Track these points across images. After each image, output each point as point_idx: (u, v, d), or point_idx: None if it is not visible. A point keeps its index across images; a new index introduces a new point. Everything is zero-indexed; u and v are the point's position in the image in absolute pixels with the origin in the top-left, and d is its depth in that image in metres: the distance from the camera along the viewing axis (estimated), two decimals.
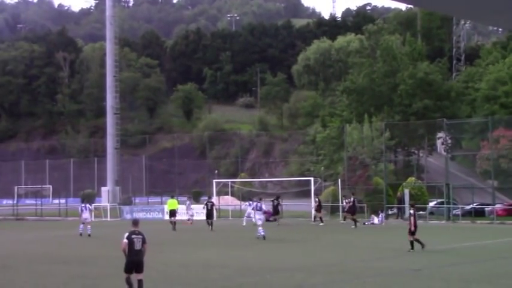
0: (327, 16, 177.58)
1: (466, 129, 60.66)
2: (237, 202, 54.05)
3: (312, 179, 48.40)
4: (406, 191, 46.01)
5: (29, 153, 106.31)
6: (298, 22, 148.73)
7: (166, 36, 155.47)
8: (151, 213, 52.53)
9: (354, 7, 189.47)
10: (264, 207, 34.80)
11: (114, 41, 72.88)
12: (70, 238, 34.13)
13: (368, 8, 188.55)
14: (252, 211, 35.89)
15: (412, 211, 25.73)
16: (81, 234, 34.54)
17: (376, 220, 42.01)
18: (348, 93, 68.02)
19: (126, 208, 55.50)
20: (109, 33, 72.51)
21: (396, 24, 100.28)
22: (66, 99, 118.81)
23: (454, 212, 44.85)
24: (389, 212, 46.57)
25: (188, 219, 43.00)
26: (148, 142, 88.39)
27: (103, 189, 69.76)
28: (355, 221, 38.99)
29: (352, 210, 40.25)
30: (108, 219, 51.75)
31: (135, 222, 16.08)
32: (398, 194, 46.60)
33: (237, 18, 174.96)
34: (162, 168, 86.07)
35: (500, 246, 27.75)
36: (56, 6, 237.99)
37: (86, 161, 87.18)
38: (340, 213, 45.32)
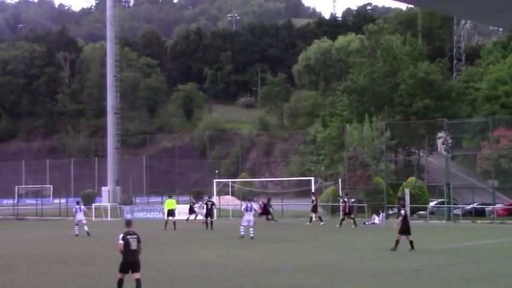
0: (327, 16, 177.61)
1: (467, 129, 60.62)
2: (238, 202, 54.07)
3: (312, 178, 48.43)
4: (407, 191, 46.04)
5: (30, 153, 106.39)
6: (299, 22, 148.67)
7: (167, 36, 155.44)
8: (151, 213, 52.55)
9: (354, 7, 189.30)
10: (255, 207, 35.21)
11: (114, 41, 72.88)
12: (70, 238, 34.14)
13: (368, 7, 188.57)
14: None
15: (403, 211, 25.80)
16: (76, 235, 34.85)
17: (377, 220, 42.02)
18: (349, 93, 68.00)
19: (126, 208, 55.51)
20: (109, 33, 72.51)
21: (397, 24, 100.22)
22: (66, 99, 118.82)
23: (455, 211, 44.85)
24: (390, 212, 46.55)
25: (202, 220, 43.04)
26: (149, 142, 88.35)
27: (103, 189, 69.77)
28: (351, 220, 39.20)
29: (349, 211, 40.32)
30: (109, 219, 51.76)
31: (128, 222, 16.21)
32: (399, 193, 46.60)
33: (238, 18, 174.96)
34: (162, 168, 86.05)
35: (501, 246, 27.75)
36: (57, 6, 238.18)
37: (86, 161, 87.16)
38: (341, 214, 45.24)
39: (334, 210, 47.54)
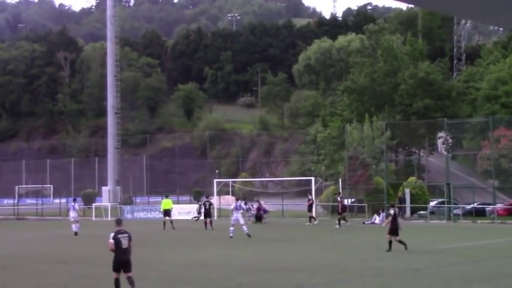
0: (327, 16, 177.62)
1: (467, 129, 60.59)
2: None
3: (312, 178, 48.34)
4: (407, 191, 46.04)
5: (30, 153, 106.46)
6: (299, 22, 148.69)
7: (167, 36, 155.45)
8: (152, 212, 52.52)
9: (354, 7, 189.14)
10: (244, 206, 35.77)
11: (114, 41, 72.93)
12: (70, 238, 34.16)
13: (369, 7, 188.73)
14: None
15: (392, 211, 25.68)
16: (76, 233, 35.25)
17: (377, 220, 42.00)
18: (349, 93, 67.96)
19: (126, 208, 55.51)
20: (110, 32, 72.56)
21: (397, 23, 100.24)
22: (66, 99, 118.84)
23: (455, 211, 44.83)
24: (390, 212, 46.47)
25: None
26: (149, 142, 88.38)
27: (104, 188, 69.81)
28: (339, 221, 39.30)
29: (341, 210, 40.45)
30: (109, 218, 51.65)
31: (119, 221, 16.33)
32: (399, 193, 46.59)
33: (238, 17, 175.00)
34: (162, 167, 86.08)
35: (501, 245, 27.73)
36: (57, 5, 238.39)
37: (86, 161, 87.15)
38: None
39: (334, 210, 47.48)
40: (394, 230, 24.71)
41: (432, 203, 46.68)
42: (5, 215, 57.58)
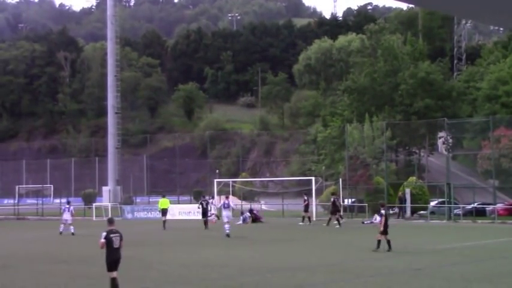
0: (328, 16, 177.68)
1: (467, 129, 60.58)
2: (238, 202, 54.05)
3: (313, 178, 48.31)
4: (408, 191, 46.01)
5: (30, 153, 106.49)
6: (299, 22, 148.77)
7: (168, 36, 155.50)
8: (152, 212, 52.44)
9: (355, 7, 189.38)
10: (232, 204, 36.51)
11: (115, 41, 72.91)
12: (71, 238, 34.16)
13: (369, 7, 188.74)
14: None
15: (383, 211, 25.70)
16: (61, 233, 35.81)
17: (377, 219, 41.90)
18: (349, 93, 67.93)
19: (127, 208, 55.45)
20: (110, 32, 72.54)
21: (397, 23, 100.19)
22: (67, 99, 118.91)
23: (455, 211, 44.81)
24: (391, 212, 46.48)
25: (213, 218, 43.21)
26: (149, 142, 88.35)
27: (104, 188, 69.79)
28: (339, 221, 39.29)
29: (334, 210, 40.43)
30: None
31: (111, 220, 16.43)
32: (400, 193, 46.58)
33: (238, 17, 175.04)
34: (163, 167, 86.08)
35: (502, 245, 27.72)
36: (57, 5, 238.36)
37: (87, 161, 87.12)
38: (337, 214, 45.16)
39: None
40: (384, 229, 24.78)
41: (432, 203, 46.69)
42: (5, 215, 57.55)
